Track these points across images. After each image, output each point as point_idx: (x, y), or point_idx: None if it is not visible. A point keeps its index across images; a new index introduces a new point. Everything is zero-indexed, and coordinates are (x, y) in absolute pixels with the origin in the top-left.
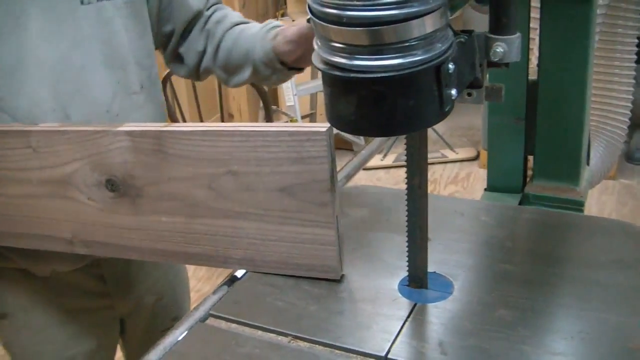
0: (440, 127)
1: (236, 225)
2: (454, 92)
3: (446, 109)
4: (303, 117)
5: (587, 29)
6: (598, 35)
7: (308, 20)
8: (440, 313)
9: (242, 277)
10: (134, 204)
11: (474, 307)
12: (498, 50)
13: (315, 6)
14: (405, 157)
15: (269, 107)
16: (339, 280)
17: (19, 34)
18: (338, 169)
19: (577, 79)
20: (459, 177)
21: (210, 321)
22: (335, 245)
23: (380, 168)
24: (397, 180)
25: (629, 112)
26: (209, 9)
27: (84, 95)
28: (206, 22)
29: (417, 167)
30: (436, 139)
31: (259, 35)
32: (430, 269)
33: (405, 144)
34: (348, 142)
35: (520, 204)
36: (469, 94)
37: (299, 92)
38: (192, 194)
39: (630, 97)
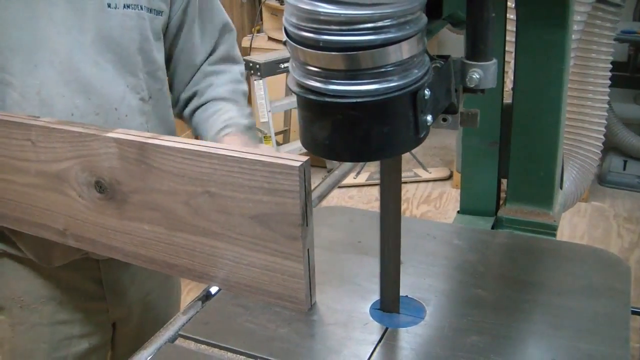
0: None
1: (212, 245)
2: (429, 118)
3: (421, 135)
4: (277, 134)
5: (562, 54)
6: (572, 60)
7: (284, 43)
8: (411, 338)
9: (215, 294)
10: (120, 208)
11: (445, 332)
12: (474, 76)
13: (291, 29)
14: (378, 176)
15: None
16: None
17: (40, 20)
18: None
19: (551, 104)
20: (432, 196)
21: (180, 342)
22: (303, 279)
23: (352, 186)
24: (370, 198)
25: (602, 137)
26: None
27: (94, 88)
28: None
29: (391, 192)
30: (409, 158)
31: (211, 133)
32: (402, 292)
33: (379, 168)
34: (322, 160)
35: (493, 227)
36: (444, 120)
37: (273, 108)
38: (172, 208)
39: (604, 121)
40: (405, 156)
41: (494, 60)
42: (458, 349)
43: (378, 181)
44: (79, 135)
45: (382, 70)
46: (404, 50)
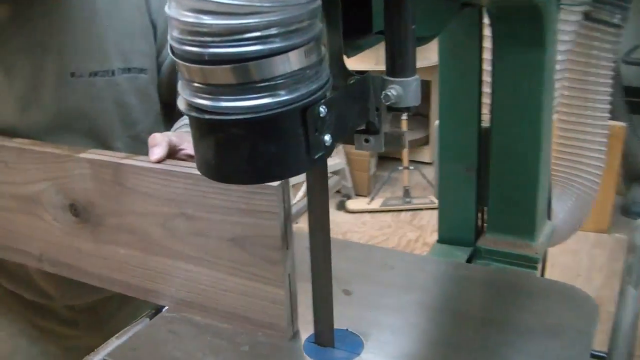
0: (429, 173)
1: (189, 269)
2: (327, 138)
3: (316, 156)
4: None
5: (540, 75)
6: (564, 82)
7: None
8: None
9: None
10: (95, 232)
11: None
12: (390, 93)
13: (175, 44)
14: (392, 202)
15: None
16: (241, 334)
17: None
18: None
19: (530, 127)
20: None
21: None
22: (284, 305)
23: (366, 212)
24: (382, 225)
25: (602, 165)
26: None
27: None
28: None
29: (319, 216)
30: (426, 185)
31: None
32: (343, 325)
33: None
34: None
35: (471, 257)
36: (367, 140)
37: None
38: (148, 231)
39: (604, 148)
40: (422, 183)
41: (416, 77)
42: None
43: (392, 207)
44: (52, 156)
45: (269, 83)
46: (292, 62)
